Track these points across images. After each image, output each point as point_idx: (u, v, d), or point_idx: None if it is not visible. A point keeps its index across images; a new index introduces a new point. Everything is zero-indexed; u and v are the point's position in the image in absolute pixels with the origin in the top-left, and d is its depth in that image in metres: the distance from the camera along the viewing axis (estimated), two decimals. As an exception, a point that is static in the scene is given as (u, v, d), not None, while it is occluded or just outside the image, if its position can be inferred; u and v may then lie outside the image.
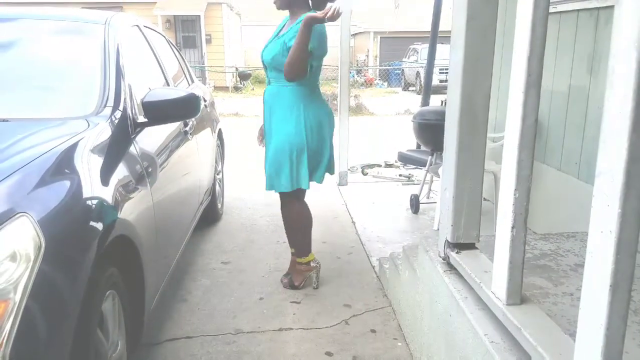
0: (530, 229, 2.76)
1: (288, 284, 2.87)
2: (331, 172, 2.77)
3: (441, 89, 5.76)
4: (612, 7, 0.88)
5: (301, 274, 2.87)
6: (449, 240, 1.92)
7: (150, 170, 2.04)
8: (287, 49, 2.47)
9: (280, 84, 2.58)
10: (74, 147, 1.61)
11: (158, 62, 2.87)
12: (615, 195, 0.97)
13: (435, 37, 6.00)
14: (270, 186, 2.68)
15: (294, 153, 2.57)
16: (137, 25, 2.77)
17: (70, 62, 2.23)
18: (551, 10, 2.93)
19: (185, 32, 18.97)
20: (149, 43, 2.82)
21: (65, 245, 1.34)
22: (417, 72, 18.15)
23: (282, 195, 2.74)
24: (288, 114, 2.57)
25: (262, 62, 2.66)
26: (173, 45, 3.63)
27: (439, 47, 6.37)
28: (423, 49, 18.07)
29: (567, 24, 3.05)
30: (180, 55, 3.76)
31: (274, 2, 2.60)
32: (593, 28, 2.82)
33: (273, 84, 2.62)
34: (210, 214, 3.77)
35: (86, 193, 1.51)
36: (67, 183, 1.47)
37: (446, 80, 1.96)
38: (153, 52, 2.84)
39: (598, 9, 2.78)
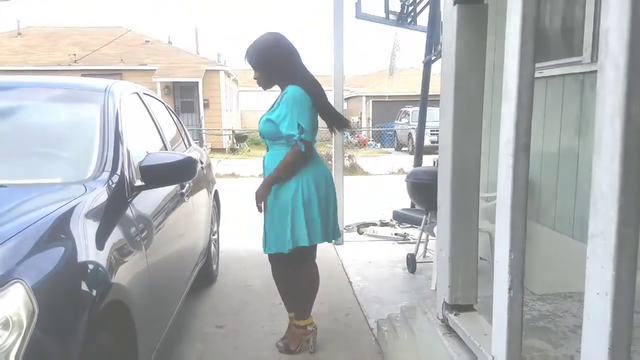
0: (527, 289, 2.74)
1: (284, 349, 2.80)
2: (334, 236, 2.75)
3: (433, 149, 5.89)
4: (596, 72, 0.92)
5: (298, 338, 2.80)
6: (447, 302, 1.90)
7: (145, 233, 2.04)
8: (267, 120, 2.60)
9: (274, 150, 2.64)
10: (70, 212, 1.61)
11: (156, 126, 2.93)
12: (608, 257, 0.99)
13: (425, 100, 6.19)
14: (269, 249, 2.67)
15: (289, 213, 2.57)
16: (137, 92, 2.84)
17: (70, 129, 2.28)
18: (537, 75, 3.05)
19: (184, 97, 19.47)
20: (147, 109, 2.89)
21: (59, 311, 1.32)
22: (409, 133, 18.53)
23: (296, 258, 2.70)
24: None
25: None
26: (171, 110, 3.72)
27: (429, 110, 6.55)
28: (414, 111, 18.54)
29: (553, 88, 3.16)
30: (178, 119, 3.84)
31: (259, 85, 2.67)
32: (579, 92, 2.92)
33: (270, 149, 2.68)
34: (205, 276, 3.72)
35: (81, 258, 1.51)
36: (62, 249, 1.47)
37: (437, 142, 2.01)
38: (152, 117, 2.91)
39: (583, 74, 2.88)
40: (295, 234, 2.57)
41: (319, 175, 2.64)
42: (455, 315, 1.87)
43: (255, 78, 2.67)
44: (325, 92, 2.71)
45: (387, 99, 25.34)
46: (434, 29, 5.75)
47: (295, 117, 2.50)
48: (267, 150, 2.72)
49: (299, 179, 2.58)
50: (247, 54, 2.63)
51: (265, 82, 2.66)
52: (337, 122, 2.78)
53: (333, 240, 2.76)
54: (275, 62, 2.60)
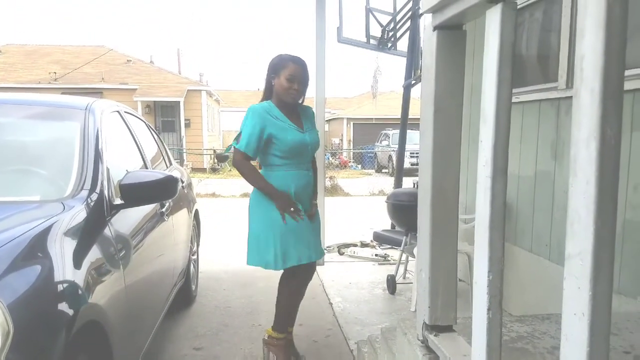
0: (505, 310, 2.76)
1: None
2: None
3: (412, 172, 5.95)
4: (571, 97, 0.95)
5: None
6: (427, 323, 1.90)
7: (124, 252, 2.01)
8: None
9: (282, 171, 2.71)
10: (47, 230, 1.59)
11: (137, 145, 2.91)
12: (585, 277, 1.00)
13: (405, 123, 6.28)
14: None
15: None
16: (118, 111, 2.83)
17: (49, 146, 2.25)
18: (514, 100, 3.12)
19: (165, 116, 19.40)
20: (128, 127, 2.88)
21: (34, 331, 1.29)
22: (390, 155, 18.70)
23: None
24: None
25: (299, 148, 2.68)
26: (152, 129, 3.70)
27: (409, 132, 6.65)
28: (394, 134, 18.74)
29: (530, 113, 3.24)
30: (159, 138, 3.83)
31: (296, 99, 2.72)
32: (555, 117, 2.99)
33: (278, 171, 2.70)
34: (183, 296, 3.67)
35: (57, 277, 1.48)
36: (38, 267, 1.44)
37: (417, 164, 2.04)
38: (132, 135, 2.89)
39: (559, 99, 2.96)
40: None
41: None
42: (435, 336, 1.87)
43: (296, 90, 2.68)
44: None
45: (367, 121, 25.60)
46: (413, 54, 5.86)
47: None
48: (271, 171, 2.69)
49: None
50: (306, 70, 2.73)
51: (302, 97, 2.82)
52: None
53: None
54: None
